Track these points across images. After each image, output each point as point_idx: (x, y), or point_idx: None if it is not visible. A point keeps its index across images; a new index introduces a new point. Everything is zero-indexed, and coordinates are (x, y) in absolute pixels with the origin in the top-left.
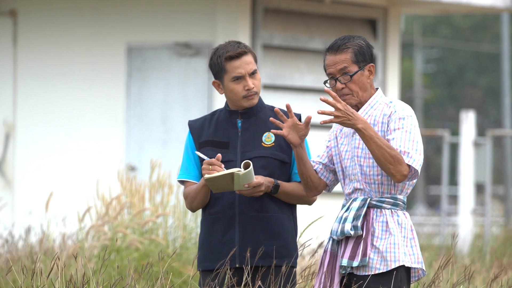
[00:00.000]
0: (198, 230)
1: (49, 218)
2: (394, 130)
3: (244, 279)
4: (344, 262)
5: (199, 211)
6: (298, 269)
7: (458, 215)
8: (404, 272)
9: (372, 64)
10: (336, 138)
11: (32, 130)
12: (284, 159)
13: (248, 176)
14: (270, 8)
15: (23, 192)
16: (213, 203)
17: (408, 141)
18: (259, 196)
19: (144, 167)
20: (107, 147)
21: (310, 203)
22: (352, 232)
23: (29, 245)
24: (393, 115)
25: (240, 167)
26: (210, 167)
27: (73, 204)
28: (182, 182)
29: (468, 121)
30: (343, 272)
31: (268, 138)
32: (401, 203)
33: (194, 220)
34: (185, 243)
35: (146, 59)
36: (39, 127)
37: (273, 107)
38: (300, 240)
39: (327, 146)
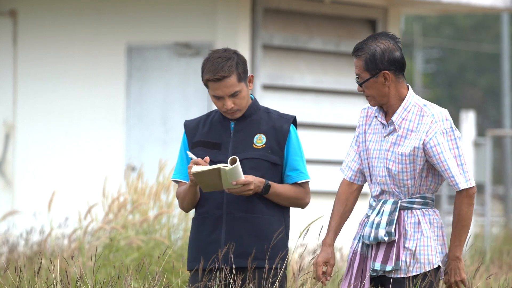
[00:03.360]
0: None
1: (49, 218)
2: (440, 153)
3: (226, 279)
4: (377, 266)
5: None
6: (299, 268)
7: None
8: (435, 272)
9: (386, 71)
10: (365, 133)
11: (32, 130)
12: (275, 161)
13: (235, 172)
14: (270, 8)
15: (23, 192)
16: (202, 203)
17: (458, 167)
18: (248, 197)
19: (144, 167)
20: (107, 147)
21: (303, 206)
22: (386, 239)
23: (29, 246)
24: (433, 125)
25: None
26: (195, 165)
27: (73, 204)
28: (176, 182)
29: (468, 121)
30: (374, 274)
31: (259, 140)
32: (430, 201)
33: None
34: (186, 243)
35: (146, 59)
36: (39, 127)
37: (267, 109)
38: (299, 240)
39: (357, 145)
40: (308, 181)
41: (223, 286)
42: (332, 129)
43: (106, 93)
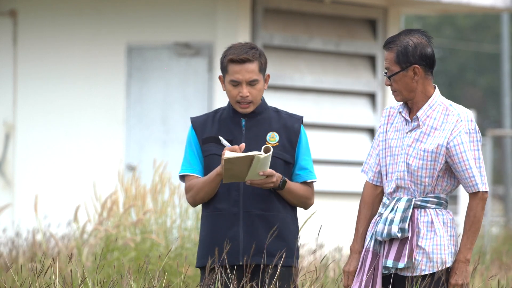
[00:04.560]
0: (198, 230)
1: (48, 218)
2: (463, 152)
3: (245, 277)
4: (389, 263)
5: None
6: (301, 268)
7: (458, 215)
8: (446, 271)
9: (416, 65)
10: (386, 132)
11: (32, 130)
12: (288, 159)
13: (267, 161)
14: (270, 8)
15: (23, 192)
16: (217, 200)
17: (477, 168)
18: (264, 195)
19: (144, 167)
20: (107, 147)
21: (308, 206)
22: (399, 235)
23: (29, 246)
24: (459, 123)
25: (261, 151)
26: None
27: (73, 204)
28: (183, 177)
29: None
30: (386, 272)
31: (273, 138)
32: (444, 202)
33: (195, 219)
34: (184, 243)
35: (146, 59)
36: (39, 127)
37: (276, 108)
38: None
39: (378, 144)
40: (314, 181)
41: (234, 283)
42: (332, 129)
43: (106, 93)
